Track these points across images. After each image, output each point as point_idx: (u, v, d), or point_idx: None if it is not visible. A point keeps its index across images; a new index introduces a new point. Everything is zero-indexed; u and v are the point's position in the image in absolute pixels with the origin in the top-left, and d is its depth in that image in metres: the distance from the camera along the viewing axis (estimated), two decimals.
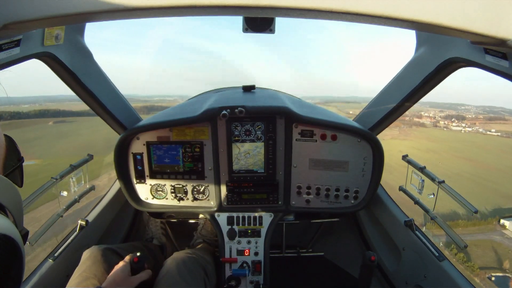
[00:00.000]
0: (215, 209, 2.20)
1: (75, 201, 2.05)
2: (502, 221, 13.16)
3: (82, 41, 1.71)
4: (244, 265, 2.17)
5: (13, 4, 0.80)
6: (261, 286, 2.14)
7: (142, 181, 2.17)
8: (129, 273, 1.52)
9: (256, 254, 2.19)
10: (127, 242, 2.48)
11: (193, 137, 2.08)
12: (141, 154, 2.11)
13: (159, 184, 2.18)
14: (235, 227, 2.20)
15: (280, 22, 1.51)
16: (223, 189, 2.17)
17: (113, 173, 2.16)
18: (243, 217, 2.20)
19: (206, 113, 1.97)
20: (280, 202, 2.20)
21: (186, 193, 2.20)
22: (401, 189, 2.15)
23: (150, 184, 2.19)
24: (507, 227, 12.91)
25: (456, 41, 1.40)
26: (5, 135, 0.78)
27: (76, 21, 1.28)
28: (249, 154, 2.10)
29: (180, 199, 2.21)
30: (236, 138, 2.07)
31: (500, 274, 11.36)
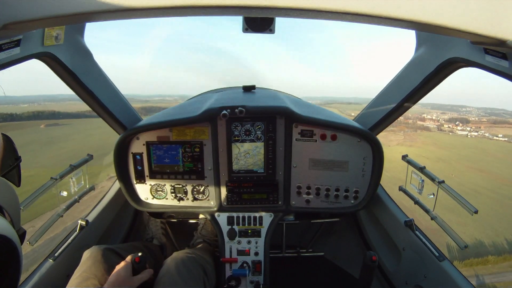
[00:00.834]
0: (215, 209, 2.20)
1: (75, 201, 2.05)
2: None
3: (82, 41, 1.71)
4: (244, 265, 2.17)
5: (13, 4, 0.80)
6: (261, 286, 2.14)
7: (142, 181, 2.17)
8: (131, 273, 1.52)
9: (256, 254, 2.19)
10: (127, 242, 2.48)
11: (193, 137, 2.08)
12: (141, 154, 2.11)
13: (159, 184, 2.18)
14: (235, 227, 2.20)
15: (280, 22, 1.51)
16: (223, 189, 2.17)
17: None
18: (243, 217, 2.20)
19: (206, 113, 1.97)
20: (280, 202, 2.20)
21: (186, 193, 2.20)
22: (401, 189, 2.15)
23: (150, 184, 2.19)
24: None
25: (456, 41, 1.40)
26: (3, 134, 0.78)
27: (76, 21, 1.28)
28: (249, 154, 2.10)
29: (180, 199, 2.21)
30: (236, 138, 2.07)
31: None
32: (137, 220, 2.69)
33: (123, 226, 2.57)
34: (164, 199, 2.22)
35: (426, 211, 1.93)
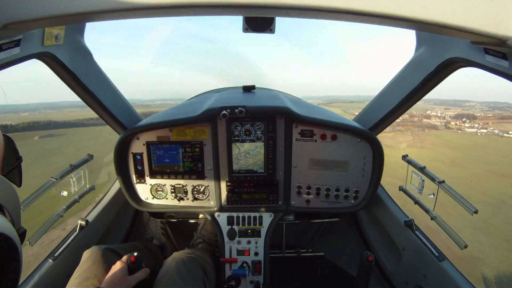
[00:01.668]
0: (215, 209, 2.20)
1: (75, 201, 2.05)
2: None
3: (82, 41, 1.71)
4: (244, 265, 2.17)
5: (13, 4, 0.80)
6: (261, 286, 2.14)
7: (142, 181, 2.17)
8: (126, 273, 1.52)
9: (256, 254, 2.19)
10: (127, 242, 2.48)
11: (193, 137, 2.08)
12: (141, 154, 2.11)
13: (159, 184, 2.18)
14: (235, 227, 2.20)
15: (280, 21, 1.51)
16: (223, 189, 2.17)
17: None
18: (243, 217, 2.20)
19: (206, 113, 1.97)
20: (280, 202, 2.20)
21: (186, 193, 2.20)
22: (401, 189, 2.15)
23: (150, 184, 2.19)
24: None
25: (456, 41, 1.40)
26: (4, 135, 0.79)
27: (76, 21, 1.28)
28: (249, 154, 2.10)
29: (180, 199, 2.21)
30: (236, 138, 2.07)
31: None
32: (137, 220, 2.69)
33: (123, 226, 2.57)
34: (164, 199, 2.22)
35: (426, 211, 1.93)
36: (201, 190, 2.20)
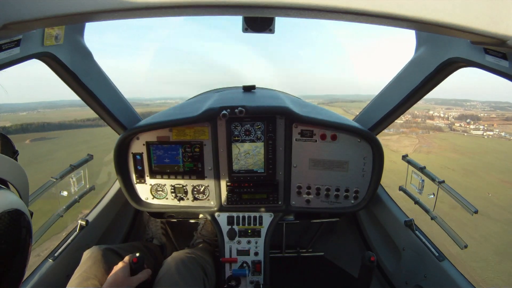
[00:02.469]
0: (215, 209, 2.20)
1: (75, 201, 2.05)
2: None
3: (82, 41, 1.71)
4: (244, 265, 2.17)
5: (13, 4, 0.79)
6: (261, 286, 2.14)
7: (142, 181, 2.17)
8: (128, 274, 1.52)
9: (256, 254, 2.19)
10: (127, 242, 2.48)
11: (193, 137, 2.08)
12: (141, 154, 2.11)
13: (159, 184, 2.18)
14: (235, 227, 2.20)
15: (280, 21, 1.51)
16: (223, 189, 2.17)
17: None
18: (243, 217, 2.20)
19: (206, 113, 1.98)
20: (280, 202, 2.20)
21: (186, 193, 2.20)
22: (401, 189, 2.15)
23: (150, 184, 2.19)
24: None
25: (456, 41, 1.40)
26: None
27: (76, 21, 1.28)
28: (249, 154, 2.10)
29: (180, 199, 2.21)
30: (236, 138, 2.07)
31: None
32: (137, 220, 2.69)
33: (123, 226, 2.57)
34: (164, 199, 2.22)
35: (426, 211, 1.93)
36: (201, 190, 2.20)
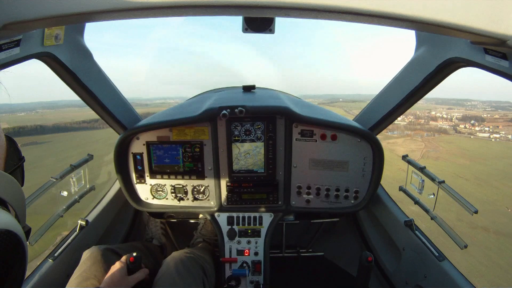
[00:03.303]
0: (215, 209, 2.20)
1: (75, 201, 2.05)
2: None
3: (82, 41, 1.71)
4: (244, 265, 2.17)
5: (13, 4, 0.79)
6: (261, 286, 2.14)
7: (142, 181, 2.17)
8: (125, 273, 1.52)
9: (256, 254, 2.19)
10: (127, 242, 2.48)
11: (193, 137, 2.08)
12: (141, 154, 2.11)
13: (159, 184, 2.18)
14: (235, 227, 2.20)
15: (280, 20, 1.51)
16: (223, 189, 2.17)
17: None
18: (243, 217, 2.20)
19: (206, 113, 1.97)
20: (280, 202, 2.20)
21: (186, 193, 2.20)
22: (401, 189, 2.15)
23: (150, 184, 2.19)
24: None
25: (456, 41, 1.40)
26: (6, 135, 0.79)
27: (76, 21, 1.28)
28: (249, 154, 2.10)
29: (180, 199, 2.21)
30: (236, 138, 2.07)
31: None
32: (137, 220, 2.69)
33: (123, 226, 2.57)
34: (164, 199, 2.22)
35: (426, 211, 1.93)
36: (201, 190, 2.20)
